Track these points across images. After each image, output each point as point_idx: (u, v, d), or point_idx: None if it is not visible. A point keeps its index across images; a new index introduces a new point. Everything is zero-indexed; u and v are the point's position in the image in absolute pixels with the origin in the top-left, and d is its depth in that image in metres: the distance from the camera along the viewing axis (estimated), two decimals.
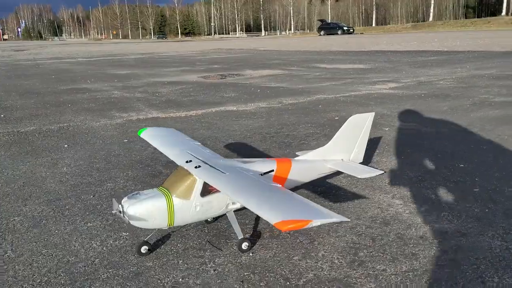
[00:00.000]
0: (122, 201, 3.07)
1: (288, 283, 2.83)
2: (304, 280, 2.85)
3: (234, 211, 3.36)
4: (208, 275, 2.95)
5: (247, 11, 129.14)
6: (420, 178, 4.63)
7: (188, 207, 3.11)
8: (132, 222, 3.02)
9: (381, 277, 2.85)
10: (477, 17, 77.90)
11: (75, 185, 4.84)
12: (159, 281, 2.91)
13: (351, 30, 68.22)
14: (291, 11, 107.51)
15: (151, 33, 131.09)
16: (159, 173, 5.14)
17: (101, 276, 2.99)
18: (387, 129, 6.90)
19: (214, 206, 3.22)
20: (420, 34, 50.56)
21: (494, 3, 78.50)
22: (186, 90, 12.72)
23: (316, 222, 2.24)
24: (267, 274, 2.94)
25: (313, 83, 13.22)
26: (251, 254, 3.20)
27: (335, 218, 2.32)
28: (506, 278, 2.78)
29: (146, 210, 3.00)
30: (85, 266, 3.12)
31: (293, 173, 3.54)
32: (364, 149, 4.00)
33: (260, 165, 3.44)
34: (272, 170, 3.45)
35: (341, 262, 3.05)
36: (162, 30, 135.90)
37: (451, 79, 12.53)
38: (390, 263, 3.01)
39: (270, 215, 2.35)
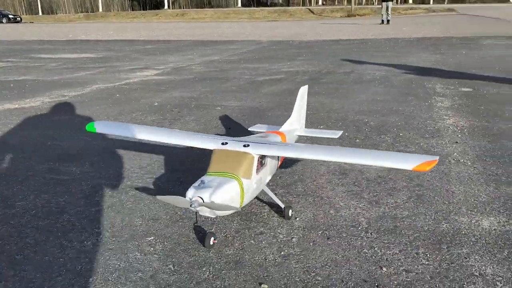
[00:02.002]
0: (190, 194, 2.78)
1: (353, 228, 3.28)
2: (361, 226, 3.33)
3: None
4: (287, 245, 3.06)
5: None
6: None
7: (251, 186, 3.08)
8: (217, 211, 2.80)
9: (401, 209, 3.62)
10: (143, 9, 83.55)
11: None
12: (253, 260, 2.85)
13: (18, 19, 62.00)
14: None
15: None
16: (65, 180, 4.29)
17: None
18: (219, 108, 7.50)
19: (262, 182, 3.27)
20: (99, 24, 50.47)
21: None
22: None
23: (437, 160, 2.83)
24: (328, 232, 3.25)
25: (64, 74, 12.16)
26: (296, 219, 3.43)
27: (435, 156, 2.95)
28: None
29: (228, 196, 2.84)
30: (159, 282, 2.68)
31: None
32: (305, 117, 4.59)
33: (272, 138, 3.63)
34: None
35: (362, 206, 3.66)
36: None
37: (198, 65, 13.77)
38: (391, 196, 3.83)
39: (403, 163, 2.78)
